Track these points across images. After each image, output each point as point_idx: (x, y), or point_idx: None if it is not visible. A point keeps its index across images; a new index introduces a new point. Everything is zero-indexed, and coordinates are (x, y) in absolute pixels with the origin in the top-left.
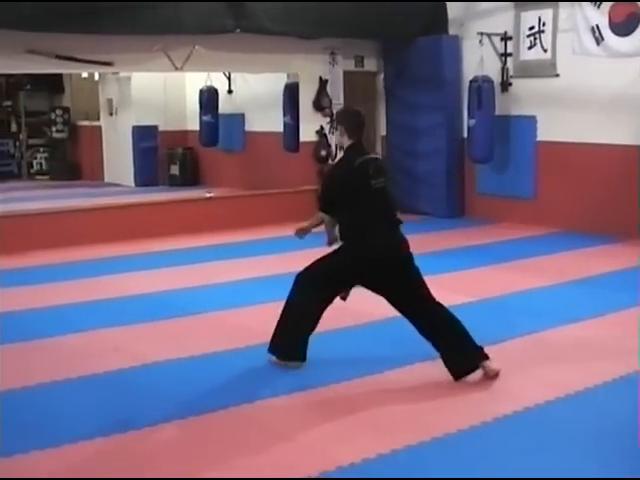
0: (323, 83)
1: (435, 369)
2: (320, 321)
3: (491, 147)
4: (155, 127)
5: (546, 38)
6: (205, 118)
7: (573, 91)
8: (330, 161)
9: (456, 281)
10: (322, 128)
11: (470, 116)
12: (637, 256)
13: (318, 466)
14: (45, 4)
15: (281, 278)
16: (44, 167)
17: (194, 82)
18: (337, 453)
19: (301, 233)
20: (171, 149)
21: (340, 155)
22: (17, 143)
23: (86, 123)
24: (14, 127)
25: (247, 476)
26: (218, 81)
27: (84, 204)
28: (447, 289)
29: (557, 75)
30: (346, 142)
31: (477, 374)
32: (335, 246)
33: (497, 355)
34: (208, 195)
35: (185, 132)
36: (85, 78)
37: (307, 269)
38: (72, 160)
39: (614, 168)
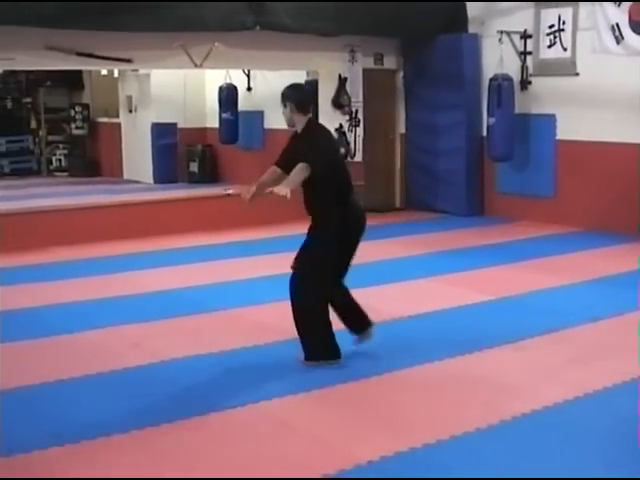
0: (342, 81)
1: (454, 367)
2: (335, 320)
3: (511, 146)
4: (174, 124)
5: (566, 36)
6: (224, 115)
7: (593, 90)
8: (349, 159)
9: (475, 279)
10: (341, 126)
11: (490, 114)
12: None
13: (336, 464)
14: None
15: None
16: (63, 164)
17: (213, 79)
18: (355, 451)
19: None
20: (190, 146)
21: (305, 127)
22: (36, 139)
23: (105, 120)
24: (34, 124)
25: (264, 474)
26: (237, 78)
27: (103, 201)
28: (466, 287)
29: (577, 74)
30: (301, 118)
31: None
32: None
33: (516, 353)
34: (227, 192)
35: (204, 129)
36: (105, 75)
37: (301, 267)
38: (91, 157)
39: (634, 167)
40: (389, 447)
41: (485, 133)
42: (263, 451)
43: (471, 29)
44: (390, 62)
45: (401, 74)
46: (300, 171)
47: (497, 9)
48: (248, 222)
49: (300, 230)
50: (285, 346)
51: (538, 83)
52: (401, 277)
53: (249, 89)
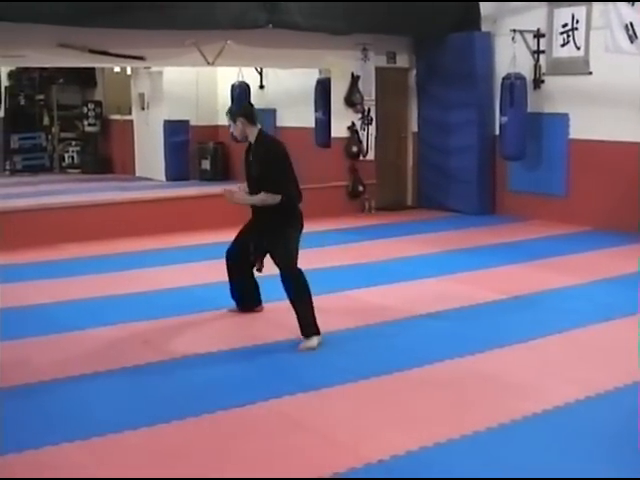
0: (355, 79)
1: (465, 366)
2: (348, 318)
3: (523, 144)
4: (186, 122)
5: (579, 35)
6: None
7: (606, 89)
8: (361, 157)
9: (486, 278)
10: (353, 124)
11: (502, 113)
12: None
13: (346, 463)
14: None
15: (311, 273)
16: (76, 161)
17: (226, 77)
18: (365, 450)
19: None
20: (202, 144)
21: (258, 138)
22: (49, 136)
23: (118, 117)
24: (46, 120)
25: (274, 472)
26: (250, 76)
27: (115, 198)
28: (477, 286)
29: (590, 73)
30: (253, 130)
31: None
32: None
33: (528, 353)
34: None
35: (216, 127)
36: (117, 72)
37: (290, 264)
38: (103, 154)
39: None
40: (400, 446)
41: (497, 132)
42: (273, 449)
43: (484, 28)
44: (403, 60)
45: (414, 72)
46: (263, 199)
47: (510, 8)
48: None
49: (312, 228)
50: (296, 344)
51: (551, 82)
52: (412, 276)
53: (261, 87)
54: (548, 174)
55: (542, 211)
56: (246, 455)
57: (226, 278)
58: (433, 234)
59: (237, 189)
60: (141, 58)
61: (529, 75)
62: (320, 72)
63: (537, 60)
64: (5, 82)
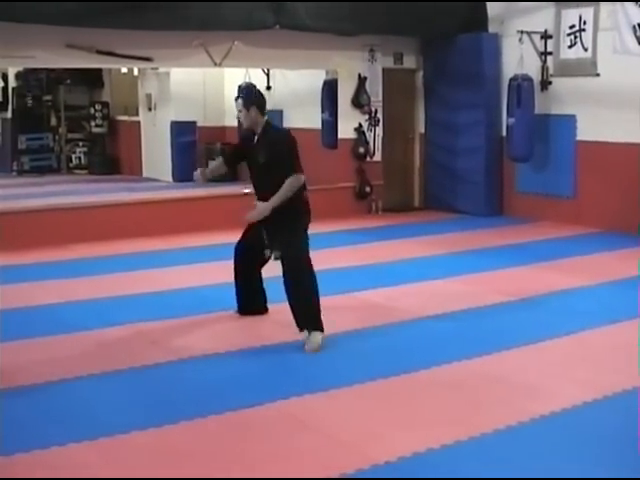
0: (362, 80)
1: (472, 367)
2: (355, 319)
3: (530, 146)
4: (194, 122)
5: (587, 37)
6: None
7: (614, 90)
8: (368, 158)
9: (494, 280)
10: (361, 125)
11: (509, 115)
12: None
13: (353, 464)
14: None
15: (320, 274)
16: (83, 161)
17: (233, 78)
18: (373, 451)
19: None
20: (209, 144)
21: (266, 128)
22: (56, 137)
23: (125, 118)
24: (54, 121)
25: (282, 473)
26: (257, 77)
27: (122, 198)
28: (485, 288)
29: (597, 74)
30: (261, 120)
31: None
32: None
33: (535, 354)
34: (246, 191)
35: (223, 128)
36: (124, 73)
37: (305, 253)
38: (111, 155)
39: None
40: (407, 447)
41: (505, 133)
42: (280, 450)
43: (491, 29)
44: (410, 61)
45: (421, 73)
46: (291, 185)
47: (517, 9)
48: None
49: (318, 230)
50: (303, 345)
51: (558, 83)
52: (419, 277)
53: (268, 88)
54: (556, 175)
55: (550, 212)
56: (253, 456)
57: (232, 278)
58: (440, 235)
59: (199, 174)
60: (148, 59)
61: (536, 76)
62: (327, 73)
63: (544, 61)
64: (13, 83)
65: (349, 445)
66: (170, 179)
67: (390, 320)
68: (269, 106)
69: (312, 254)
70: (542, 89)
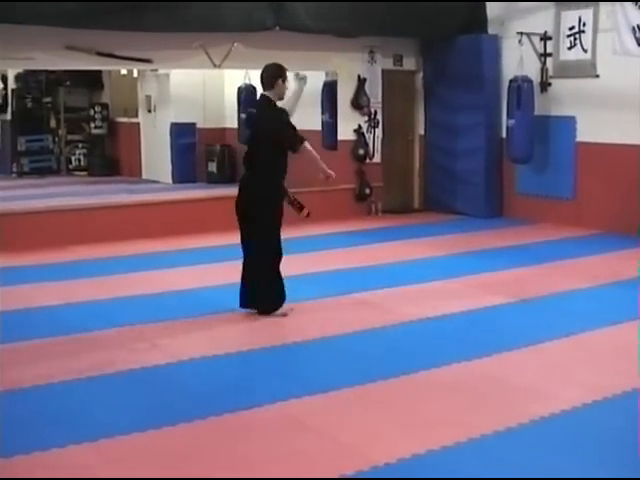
0: (361, 82)
1: (473, 369)
2: (355, 320)
3: (530, 147)
4: (193, 124)
5: (586, 38)
6: (243, 116)
7: (613, 92)
8: (368, 160)
9: (494, 282)
10: (360, 127)
11: (509, 116)
12: None
13: (353, 465)
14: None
15: (320, 276)
16: (82, 163)
17: (232, 79)
18: (372, 452)
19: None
20: (209, 146)
21: (272, 104)
22: (56, 139)
23: (125, 119)
24: (53, 123)
25: (281, 474)
26: (257, 79)
27: (122, 200)
28: (485, 289)
29: (597, 76)
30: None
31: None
32: None
33: (535, 356)
34: None
35: (223, 129)
36: (124, 75)
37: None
38: (110, 156)
39: None
40: (406, 449)
41: (504, 134)
42: (279, 451)
43: (491, 30)
44: (409, 63)
45: (420, 75)
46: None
47: (517, 10)
48: None
49: (318, 231)
50: (303, 347)
51: (558, 85)
52: (419, 278)
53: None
54: (555, 177)
55: (550, 214)
56: (253, 457)
57: (233, 280)
58: (440, 237)
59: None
60: (148, 61)
61: (536, 78)
62: (327, 74)
63: (544, 63)
64: (12, 85)
65: (348, 446)
66: (170, 181)
67: (390, 321)
68: None
69: (312, 255)
70: (542, 90)
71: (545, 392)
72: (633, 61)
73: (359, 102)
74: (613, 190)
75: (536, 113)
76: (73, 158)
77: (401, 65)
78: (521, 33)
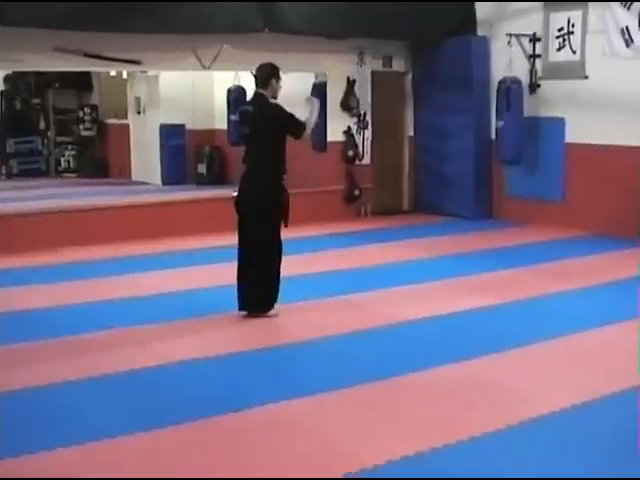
0: (351, 83)
1: (461, 371)
2: (343, 323)
3: (520, 149)
4: (183, 126)
5: (575, 39)
6: (233, 117)
7: (602, 93)
8: (357, 161)
9: (484, 283)
10: (349, 128)
11: (498, 117)
12: None
13: (342, 467)
14: (73, 4)
15: (309, 277)
16: (72, 165)
17: (222, 81)
18: (361, 454)
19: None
20: (199, 148)
21: (268, 100)
22: (45, 140)
23: (114, 121)
24: (42, 124)
25: (270, 475)
26: (246, 80)
27: (112, 202)
28: (474, 291)
29: (586, 77)
30: None
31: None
32: None
33: (524, 358)
34: (235, 194)
35: (213, 131)
36: (113, 76)
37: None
38: (100, 158)
39: None
40: (396, 451)
41: (494, 136)
42: (269, 454)
43: (480, 32)
44: (399, 65)
45: (410, 77)
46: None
47: (506, 12)
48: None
49: (309, 233)
50: (292, 349)
51: (547, 86)
52: (409, 280)
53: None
54: (545, 178)
55: (539, 215)
56: (242, 459)
57: (223, 282)
58: (430, 238)
59: None
60: (137, 62)
61: (525, 79)
62: (316, 76)
63: (533, 64)
64: (1, 86)
65: (337, 449)
66: (159, 182)
67: (378, 323)
68: None
69: (301, 257)
70: (531, 92)
71: (534, 394)
72: (622, 62)
73: (348, 104)
74: (603, 191)
75: (525, 114)
76: (62, 160)
77: (390, 67)
78: (510, 35)
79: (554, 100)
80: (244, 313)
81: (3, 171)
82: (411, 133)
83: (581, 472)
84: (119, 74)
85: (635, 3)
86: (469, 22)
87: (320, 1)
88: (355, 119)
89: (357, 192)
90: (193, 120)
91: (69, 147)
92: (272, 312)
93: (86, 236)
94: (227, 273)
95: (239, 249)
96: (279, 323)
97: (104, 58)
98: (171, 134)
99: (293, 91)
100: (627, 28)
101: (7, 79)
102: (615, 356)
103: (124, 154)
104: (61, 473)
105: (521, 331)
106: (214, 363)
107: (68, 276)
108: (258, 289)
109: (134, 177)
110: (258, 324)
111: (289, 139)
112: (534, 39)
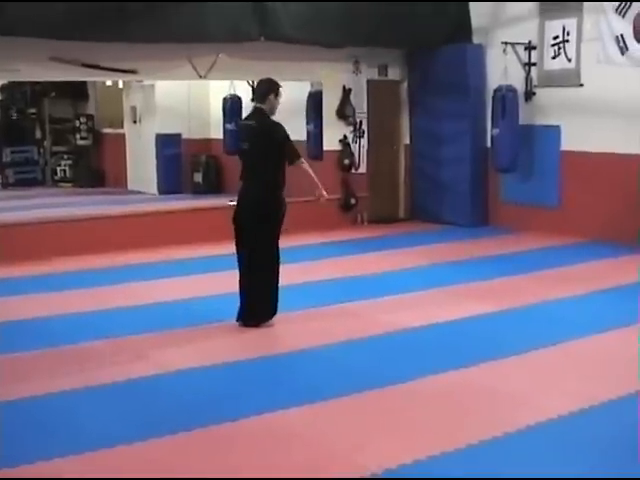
0: (347, 92)
1: (458, 378)
2: (340, 331)
3: (515, 156)
4: (179, 135)
5: (570, 47)
6: (229, 126)
7: (597, 101)
8: (354, 170)
9: (480, 291)
10: (345, 137)
11: (494, 125)
12: None
13: (339, 475)
14: (70, 13)
15: (306, 286)
16: (68, 174)
17: (218, 90)
18: (359, 462)
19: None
20: (194, 157)
21: (269, 116)
22: (41, 150)
23: (110, 130)
24: (38, 134)
25: None
26: (242, 89)
27: (108, 211)
28: (471, 298)
29: (581, 85)
30: None
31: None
32: None
33: (521, 365)
34: (231, 203)
35: (209, 140)
36: (109, 86)
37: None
38: (96, 167)
39: (638, 178)
40: (393, 458)
41: (489, 144)
42: (267, 461)
43: (475, 40)
44: (394, 73)
45: (405, 85)
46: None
47: (502, 20)
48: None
49: (304, 241)
50: (289, 358)
51: (542, 94)
52: (405, 288)
53: (253, 100)
54: (540, 185)
55: (535, 222)
56: (240, 467)
57: (220, 291)
58: (426, 246)
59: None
60: (133, 72)
61: (520, 87)
62: (312, 85)
63: (528, 72)
64: None
65: (334, 456)
66: (155, 192)
67: (375, 331)
68: None
69: (297, 266)
70: (526, 100)
71: (532, 401)
72: (617, 70)
73: (344, 112)
74: (598, 198)
75: (521, 122)
76: (58, 169)
77: (386, 75)
78: (505, 43)
79: (549, 108)
80: (238, 322)
81: None
82: (407, 141)
83: (579, 478)
84: (115, 83)
85: (629, 11)
86: (465, 30)
87: (313, 1)
88: (351, 128)
89: (353, 200)
90: (189, 129)
91: (65, 157)
92: (269, 322)
93: (82, 245)
94: (224, 282)
95: (238, 261)
96: (275, 332)
97: (100, 68)
98: (167, 143)
99: (289, 100)
100: (622, 36)
101: (3, 89)
102: (614, 363)
103: (120, 163)
104: None
105: (519, 338)
106: (211, 372)
107: (64, 285)
108: (259, 301)
109: (130, 186)
110: (255, 333)
111: None
112: (529, 47)
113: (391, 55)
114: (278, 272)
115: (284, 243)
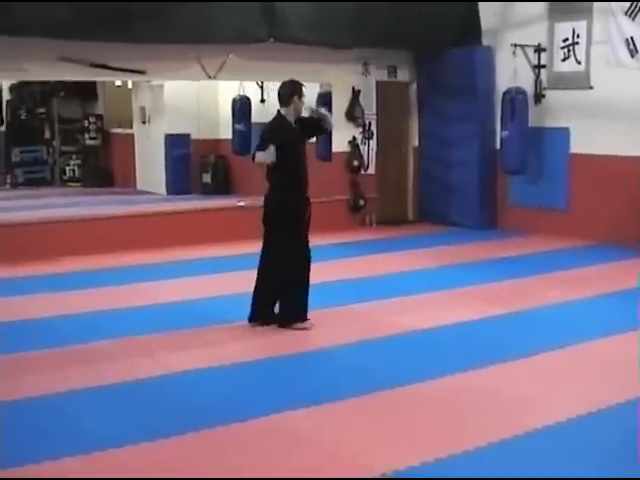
0: (356, 93)
1: (467, 380)
2: (348, 332)
3: (524, 159)
4: (187, 135)
5: (580, 50)
6: (238, 127)
7: (607, 103)
8: (362, 171)
9: (488, 293)
10: (354, 139)
11: (503, 127)
12: None
13: (346, 477)
14: (79, 13)
15: (315, 287)
16: (77, 174)
17: (227, 91)
18: (367, 464)
19: None
20: (203, 157)
21: (290, 123)
22: (50, 150)
23: (119, 131)
24: (47, 134)
25: None
26: (251, 90)
27: (116, 212)
28: (479, 301)
29: (591, 87)
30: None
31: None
32: None
33: (529, 367)
34: (240, 204)
35: (217, 140)
36: (118, 86)
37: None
38: (105, 167)
39: None
40: (401, 461)
41: (498, 146)
42: (274, 463)
43: (485, 42)
44: (403, 75)
45: (414, 86)
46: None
47: (511, 22)
48: (260, 234)
49: (313, 242)
50: (297, 359)
51: (552, 96)
52: (413, 290)
53: (262, 101)
54: (549, 188)
55: (543, 225)
56: (246, 469)
57: (228, 292)
58: (434, 248)
59: None
60: (142, 72)
61: (530, 89)
62: (321, 86)
63: (538, 74)
64: (7, 96)
65: (342, 458)
66: (164, 192)
67: (384, 333)
68: (263, 119)
69: None
70: (536, 102)
71: (539, 404)
72: (627, 73)
73: (353, 114)
74: (607, 201)
75: (530, 125)
76: (67, 169)
77: (395, 77)
78: (515, 45)
79: (559, 110)
80: (245, 322)
81: (8, 180)
82: (416, 143)
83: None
84: (124, 84)
85: (639, 13)
86: (474, 32)
87: (323, 1)
88: (360, 129)
89: (362, 202)
90: (198, 129)
91: (74, 156)
92: (302, 324)
93: (90, 245)
94: (232, 282)
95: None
96: (282, 333)
97: (109, 68)
98: (176, 144)
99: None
100: (632, 38)
101: (12, 88)
102: (619, 366)
103: (129, 163)
104: None
105: (526, 341)
106: (218, 373)
107: (72, 285)
108: (284, 299)
109: (139, 187)
110: (263, 334)
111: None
112: (539, 49)
113: (400, 57)
114: (298, 275)
115: None
